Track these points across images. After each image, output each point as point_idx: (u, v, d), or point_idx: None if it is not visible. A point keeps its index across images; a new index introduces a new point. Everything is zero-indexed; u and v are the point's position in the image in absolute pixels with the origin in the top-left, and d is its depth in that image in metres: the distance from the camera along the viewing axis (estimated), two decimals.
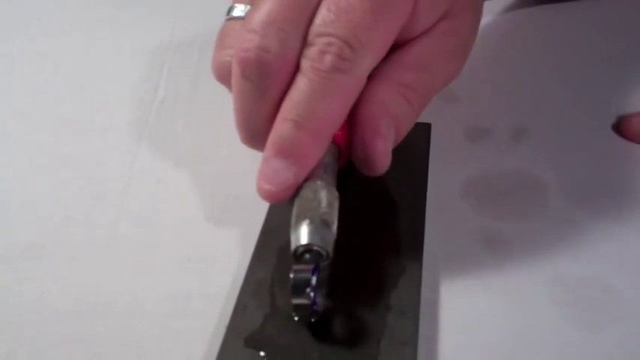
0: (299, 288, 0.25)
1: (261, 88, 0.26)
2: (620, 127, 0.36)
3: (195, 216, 0.32)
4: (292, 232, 0.25)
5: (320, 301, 0.25)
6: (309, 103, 0.26)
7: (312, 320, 0.26)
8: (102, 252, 0.30)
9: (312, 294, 0.25)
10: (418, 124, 0.35)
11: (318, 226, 0.25)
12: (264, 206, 0.31)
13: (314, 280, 0.25)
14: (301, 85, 0.26)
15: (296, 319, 0.26)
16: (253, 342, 0.25)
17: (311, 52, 0.26)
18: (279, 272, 0.28)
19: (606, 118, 0.37)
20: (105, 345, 0.27)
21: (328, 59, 0.25)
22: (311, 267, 0.25)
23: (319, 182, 0.26)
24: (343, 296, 0.26)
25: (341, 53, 0.25)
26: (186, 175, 0.34)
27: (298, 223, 0.25)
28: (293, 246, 0.25)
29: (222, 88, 0.41)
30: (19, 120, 0.38)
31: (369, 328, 0.25)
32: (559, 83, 0.40)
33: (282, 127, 0.26)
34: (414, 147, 0.34)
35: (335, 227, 0.25)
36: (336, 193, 0.26)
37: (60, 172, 0.35)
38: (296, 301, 0.25)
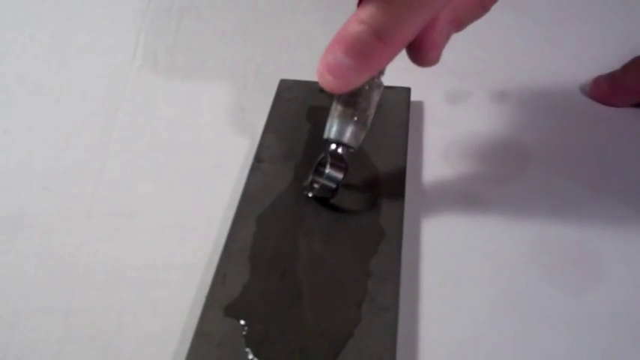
0: (331, 181, 0.28)
1: None
2: (588, 89, 0.37)
3: (175, 184, 0.32)
4: (334, 120, 0.27)
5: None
6: (394, 16, 0.24)
7: (329, 196, 0.29)
8: (80, 222, 0.30)
9: (339, 180, 0.28)
10: (398, 88, 0.34)
11: (360, 126, 0.27)
12: (244, 173, 0.31)
13: (342, 176, 0.28)
14: None
15: (310, 195, 0.29)
16: (233, 311, 0.25)
17: None
18: (259, 239, 0.27)
19: (576, 81, 0.37)
20: (84, 315, 0.26)
21: None
22: (344, 166, 0.28)
23: (375, 80, 0.27)
24: (323, 261, 0.26)
25: None
26: (164, 143, 0.34)
27: (345, 117, 0.27)
28: (327, 135, 0.27)
29: (200, 56, 0.41)
30: None
31: (349, 294, 0.25)
32: (534, 46, 0.40)
33: (359, 28, 0.24)
34: (394, 111, 0.33)
35: (369, 123, 0.28)
36: (382, 85, 0.28)
37: (36, 142, 0.34)
38: (323, 181, 0.28)
